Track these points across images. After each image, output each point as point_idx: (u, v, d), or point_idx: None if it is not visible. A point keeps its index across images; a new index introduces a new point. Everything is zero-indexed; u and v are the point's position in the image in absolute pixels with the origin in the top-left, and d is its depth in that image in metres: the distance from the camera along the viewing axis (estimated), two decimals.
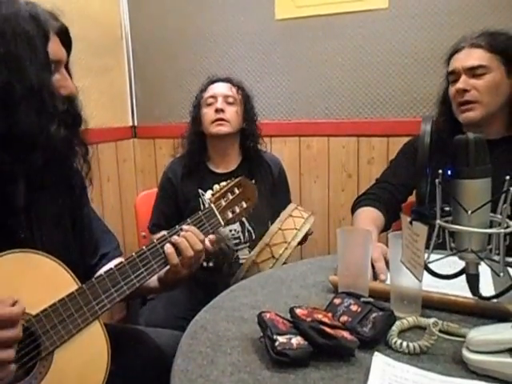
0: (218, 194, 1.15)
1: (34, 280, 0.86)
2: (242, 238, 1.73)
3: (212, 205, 1.13)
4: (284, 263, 1.43)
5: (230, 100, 1.74)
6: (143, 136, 2.74)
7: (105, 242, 1.15)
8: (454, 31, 1.99)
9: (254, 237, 1.74)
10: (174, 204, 1.77)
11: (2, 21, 0.81)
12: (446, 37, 2.00)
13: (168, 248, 1.01)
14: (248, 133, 1.79)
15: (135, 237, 2.15)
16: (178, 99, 2.54)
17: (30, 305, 0.83)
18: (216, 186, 1.21)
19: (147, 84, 2.70)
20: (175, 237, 1.02)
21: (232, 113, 1.73)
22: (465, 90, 1.35)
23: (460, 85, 1.35)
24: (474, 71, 1.34)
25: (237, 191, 1.19)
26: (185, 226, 1.04)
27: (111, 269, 0.94)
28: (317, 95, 2.28)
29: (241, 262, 1.73)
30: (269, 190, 1.77)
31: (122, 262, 0.95)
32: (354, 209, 1.49)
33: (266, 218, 1.76)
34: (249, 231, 1.73)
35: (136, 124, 2.75)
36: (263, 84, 2.39)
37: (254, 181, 1.74)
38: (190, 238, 1.02)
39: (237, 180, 1.20)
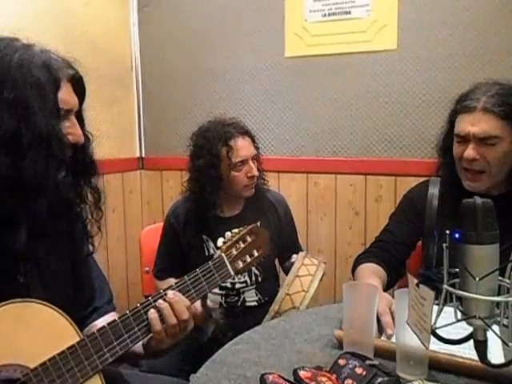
0: (229, 243, 1.11)
1: (33, 331, 0.84)
2: (248, 281, 1.69)
3: (223, 254, 1.09)
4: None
5: (255, 158, 1.71)
6: (150, 167, 2.75)
7: (99, 294, 1.11)
8: (461, 74, 2.01)
9: (260, 280, 1.71)
10: (178, 249, 1.73)
11: (14, 67, 0.82)
12: (453, 79, 2.03)
13: (151, 313, 0.94)
14: (258, 176, 1.73)
15: (138, 270, 2.13)
16: (186, 132, 2.51)
17: (28, 357, 0.81)
18: (228, 234, 1.17)
19: (155, 116, 2.73)
20: (160, 301, 0.96)
21: (257, 171, 1.69)
22: (474, 159, 1.27)
23: (469, 154, 1.26)
24: (485, 140, 1.24)
25: (249, 239, 1.15)
26: (169, 292, 0.98)
27: (115, 320, 0.92)
28: (325, 133, 2.30)
29: (247, 304, 1.70)
30: (275, 230, 1.72)
31: (126, 313, 0.94)
32: (354, 267, 1.45)
33: (272, 261, 1.73)
34: (255, 274, 1.70)
35: (143, 155, 2.77)
36: (272, 120, 2.41)
37: (259, 222, 1.69)
38: (175, 304, 0.96)
39: (249, 228, 1.17)
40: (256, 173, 1.67)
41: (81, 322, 1.04)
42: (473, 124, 1.25)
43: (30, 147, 0.81)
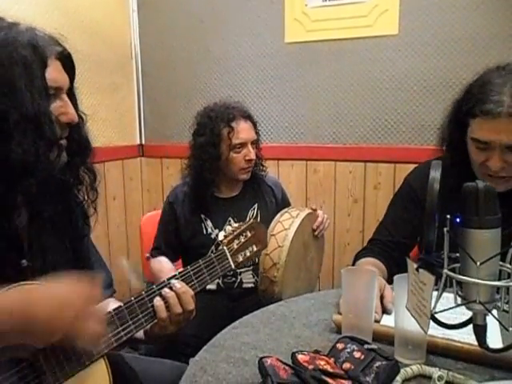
0: (230, 237, 1.15)
1: None
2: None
3: (224, 247, 1.12)
4: (289, 255, 1.43)
5: (254, 142, 1.74)
6: (150, 155, 2.75)
7: None
8: (463, 59, 1.99)
9: (257, 261, 1.71)
10: (175, 230, 1.76)
11: None
12: (456, 64, 2.01)
13: (157, 301, 0.95)
14: (257, 162, 1.78)
15: (139, 256, 2.14)
16: (186, 119, 2.51)
17: None
18: (229, 228, 1.21)
19: (155, 103, 2.71)
20: (166, 289, 0.97)
21: (255, 154, 1.73)
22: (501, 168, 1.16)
23: (497, 165, 1.15)
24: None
25: (249, 234, 1.19)
26: (175, 282, 0.98)
27: (120, 307, 0.92)
28: (324, 119, 2.29)
29: (244, 286, 1.72)
30: (272, 212, 1.74)
31: (131, 300, 0.93)
32: (353, 264, 1.41)
33: None
34: None
35: (143, 142, 2.76)
36: (271, 107, 2.40)
37: (256, 205, 1.76)
38: (182, 295, 0.97)
39: (249, 223, 1.20)
40: (253, 156, 1.71)
41: None
42: (499, 132, 1.12)
43: (16, 127, 0.80)
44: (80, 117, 0.97)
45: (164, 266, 1.69)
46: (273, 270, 1.44)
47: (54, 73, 0.88)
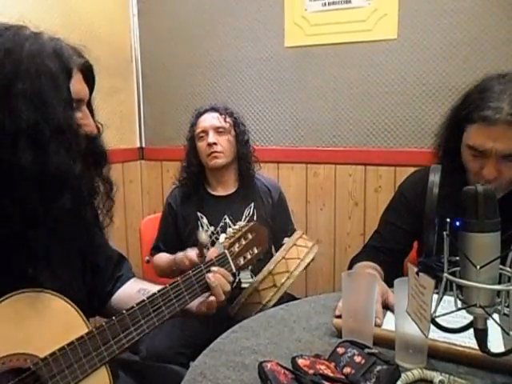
0: (232, 240, 1.16)
1: (44, 321, 0.84)
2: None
3: (226, 251, 1.13)
4: (285, 292, 1.43)
5: (221, 130, 1.75)
6: (150, 158, 2.75)
7: (119, 266, 1.16)
8: (462, 63, 2.00)
9: (255, 261, 1.72)
10: (174, 229, 1.81)
11: (26, 58, 0.79)
12: (454, 68, 2.01)
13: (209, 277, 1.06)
14: (242, 156, 1.81)
15: (139, 259, 2.14)
16: (186, 122, 2.48)
17: (38, 347, 0.82)
18: (229, 230, 1.22)
19: (156, 106, 2.71)
20: (208, 274, 1.06)
21: (224, 142, 1.75)
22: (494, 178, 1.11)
23: (491, 174, 1.10)
24: (508, 157, 1.09)
25: (250, 236, 1.20)
26: (214, 268, 1.07)
27: (122, 313, 0.92)
28: (324, 123, 2.28)
29: (242, 286, 1.72)
30: (268, 213, 1.80)
31: (133, 307, 0.94)
32: (350, 268, 1.42)
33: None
34: None
35: (143, 146, 2.76)
36: (271, 110, 2.40)
37: (253, 204, 1.78)
38: (219, 280, 1.06)
39: (250, 225, 1.22)
40: (212, 140, 1.72)
41: (107, 295, 1.11)
42: (495, 139, 1.08)
43: (50, 139, 0.79)
44: (96, 127, 0.98)
45: (167, 256, 1.72)
46: (283, 276, 1.41)
47: (77, 85, 0.88)
